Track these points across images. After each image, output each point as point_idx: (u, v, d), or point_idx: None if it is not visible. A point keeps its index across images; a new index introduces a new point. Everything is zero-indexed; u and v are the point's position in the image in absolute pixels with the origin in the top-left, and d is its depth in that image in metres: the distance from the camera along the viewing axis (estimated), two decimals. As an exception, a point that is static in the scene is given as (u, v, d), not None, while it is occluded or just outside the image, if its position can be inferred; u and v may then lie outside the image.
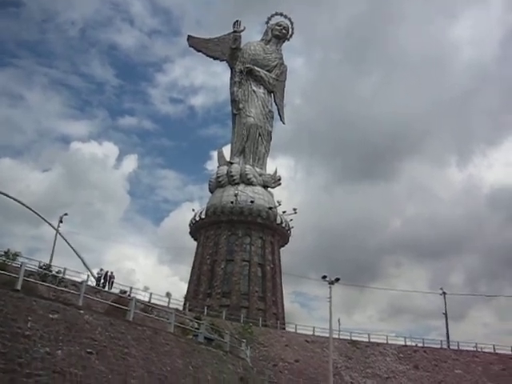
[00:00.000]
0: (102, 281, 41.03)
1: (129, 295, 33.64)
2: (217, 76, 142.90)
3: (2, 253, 24.32)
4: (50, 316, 16.29)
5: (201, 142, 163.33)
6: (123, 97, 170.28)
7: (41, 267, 20.95)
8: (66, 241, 43.00)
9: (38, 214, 45.11)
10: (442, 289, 61.66)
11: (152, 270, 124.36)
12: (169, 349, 19.72)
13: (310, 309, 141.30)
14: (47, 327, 15.89)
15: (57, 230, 45.22)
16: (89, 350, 16.47)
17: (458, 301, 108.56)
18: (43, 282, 19.39)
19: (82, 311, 17.51)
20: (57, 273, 21.53)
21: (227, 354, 23.74)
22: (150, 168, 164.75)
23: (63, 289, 19.71)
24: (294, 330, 52.72)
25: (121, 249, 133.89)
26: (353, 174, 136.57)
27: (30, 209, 44.89)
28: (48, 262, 36.27)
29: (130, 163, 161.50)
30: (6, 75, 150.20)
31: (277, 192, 65.94)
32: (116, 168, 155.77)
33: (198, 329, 24.77)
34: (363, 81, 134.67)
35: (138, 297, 39.22)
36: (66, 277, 31.38)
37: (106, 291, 33.16)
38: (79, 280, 31.07)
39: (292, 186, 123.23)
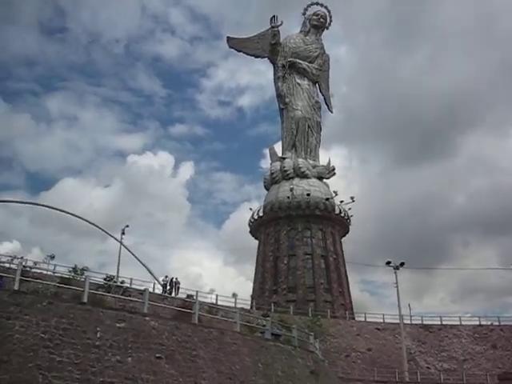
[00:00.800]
0: (168, 287, 41.73)
1: (194, 299, 34.19)
2: (261, 74, 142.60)
3: (70, 269, 25.25)
4: (117, 325, 16.79)
5: (252, 141, 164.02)
6: (172, 106, 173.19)
7: (105, 279, 21.64)
8: (129, 251, 44.27)
9: (100, 228, 46.79)
10: (512, 264, 59.67)
11: (218, 272, 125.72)
12: (236, 348, 19.91)
13: (380, 296, 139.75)
14: (116, 336, 16.39)
15: (120, 242, 46.54)
16: (158, 355, 16.88)
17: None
18: (108, 293, 19.99)
19: (147, 318, 17.93)
20: (121, 283, 22.10)
21: (296, 349, 23.72)
22: (206, 173, 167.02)
23: (129, 298, 20.25)
24: (363, 319, 52.20)
25: (185, 255, 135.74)
26: (409, 155, 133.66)
27: (93, 224, 46.63)
28: (115, 274, 37.61)
29: (187, 170, 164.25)
30: (59, 98, 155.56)
31: (333, 182, 65.47)
32: (173, 176, 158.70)
33: (264, 326, 24.88)
34: (410, 58, 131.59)
35: (205, 300, 39.89)
36: (133, 286, 32.32)
37: (172, 297, 33.74)
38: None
39: (349, 175, 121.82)
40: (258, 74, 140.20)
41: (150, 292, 24.91)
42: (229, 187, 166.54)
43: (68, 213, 46.84)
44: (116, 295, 19.96)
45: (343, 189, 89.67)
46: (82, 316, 16.20)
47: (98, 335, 16.05)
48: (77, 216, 46.78)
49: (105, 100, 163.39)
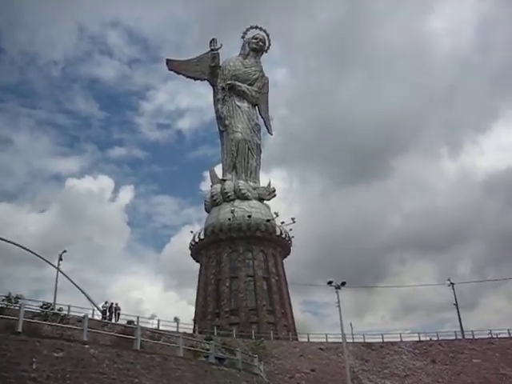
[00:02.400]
0: (108, 314, 40.58)
1: (135, 325, 33.25)
2: (201, 97, 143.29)
3: (4, 297, 24.00)
4: (55, 355, 16.06)
5: (192, 164, 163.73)
6: (110, 128, 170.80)
7: (42, 307, 20.65)
8: (66, 277, 42.90)
9: (35, 254, 44.82)
10: (449, 280, 61.47)
11: (159, 297, 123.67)
12: (180, 373, 19.42)
13: (321, 316, 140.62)
14: (53, 366, 15.67)
15: (57, 268, 44.94)
16: (98, 385, 16.21)
17: (468, 291, 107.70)
18: (45, 321, 19.10)
19: (87, 346, 17.25)
20: (59, 310, 21.18)
21: (240, 372, 23.40)
22: (146, 196, 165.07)
23: (67, 326, 19.41)
24: (306, 340, 52.26)
25: (126, 280, 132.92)
26: (347, 177, 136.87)
27: (28, 250, 44.65)
28: (52, 302, 36.12)
29: (127, 194, 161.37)
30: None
31: (274, 204, 65.80)
32: (113, 200, 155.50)
33: (208, 350, 24.43)
34: (347, 83, 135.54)
35: (147, 325, 38.92)
36: (72, 313, 31.08)
37: (112, 323, 32.70)
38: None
39: (289, 196, 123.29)
40: (198, 97, 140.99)
41: (90, 318, 24.05)
42: (169, 210, 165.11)
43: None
44: (53, 323, 19.05)
45: (284, 210, 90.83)
46: (15, 347, 15.38)
47: (34, 366, 15.28)
48: (8, 241, 44.80)
49: (40, 122, 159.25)
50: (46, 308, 20.63)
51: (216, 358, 23.35)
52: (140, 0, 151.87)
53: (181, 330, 44.07)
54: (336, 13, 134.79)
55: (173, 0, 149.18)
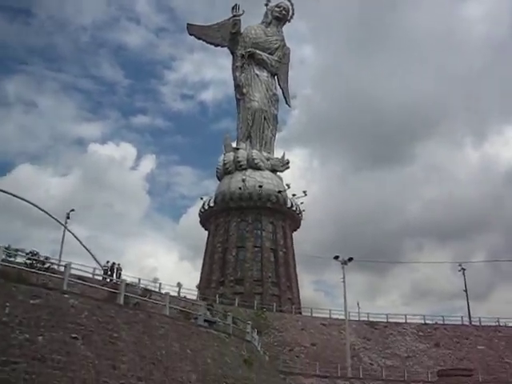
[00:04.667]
0: (109, 273, 40.34)
1: (145, 288, 32.74)
2: (225, 69, 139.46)
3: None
4: (31, 301, 15.45)
5: (214, 136, 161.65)
6: (135, 96, 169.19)
7: (27, 254, 20.11)
8: (70, 232, 42.66)
9: (46, 212, 44.50)
10: (460, 265, 60.35)
11: (174, 266, 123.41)
12: (164, 332, 18.78)
13: (333, 296, 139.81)
14: (27, 313, 15.06)
15: (64, 226, 44.76)
16: (73, 335, 15.59)
17: (481, 281, 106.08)
18: (29, 267, 18.59)
19: (66, 295, 16.62)
20: (46, 259, 20.68)
21: (230, 337, 22.76)
22: (166, 166, 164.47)
23: (50, 274, 18.84)
24: (309, 314, 51.72)
25: (142, 248, 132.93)
26: (368, 160, 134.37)
27: (41, 209, 44.15)
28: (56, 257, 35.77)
29: (148, 163, 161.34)
30: (17, 82, 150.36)
31: (291, 181, 64.26)
32: (134, 169, 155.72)
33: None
34: (374, 65, 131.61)
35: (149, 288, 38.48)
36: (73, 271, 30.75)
37: (107, 281, 32.18)
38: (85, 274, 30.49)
39: (308, 175, 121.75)
40: (222, 69, 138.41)
41: (82, 276, 23.55)
42: (188, 181, 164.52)
43: (16, 196, 44.57)
44: (32, 270, 18.47)
45: (302, 188, 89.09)
46: (-11, 290, 14.84)
47: (7, 311, 14.67)
48: (26, 200, 44.41)
49: (65, 87, 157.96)
50: (33, 256, 20.07)
51: (206, 320, 22.71)
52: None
53: (182, 295, 43.85)
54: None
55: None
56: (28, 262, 19.95)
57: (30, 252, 20.21)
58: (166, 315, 19.82)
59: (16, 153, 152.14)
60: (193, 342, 19.82)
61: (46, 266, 20.20)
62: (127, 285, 21.01)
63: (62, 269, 19.28)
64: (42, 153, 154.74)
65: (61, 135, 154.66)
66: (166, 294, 22.23)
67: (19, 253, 20.34)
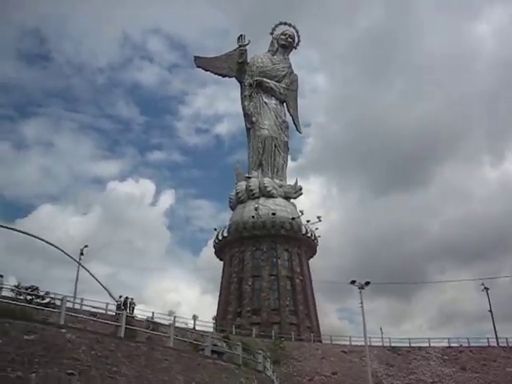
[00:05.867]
0: (122, 308, 39.76)
1: (148, 320, 32.15)
2: (238, 101, 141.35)
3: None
4: (25, 337, 14.93)
5: (230, 168, 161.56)
6: (150, 132, 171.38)
7: (27, 289, 19.66)
8: (83, 267, 42.24)
9: (60, 249, 44.02)
10: (483, 284, 58.48)
11: (197, 300, 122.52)
12: (167, 365, 18.11)
13: (356, 324, 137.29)
14: (20, 349, 14.53)
15: (78, 262, 44.38)
16: (69, 371, 15.02)
17: (509, 300, 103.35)
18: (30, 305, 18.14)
19: (63, 330, 16.08)
20: (46, 294, 20.23)
21: (240, 367, 21.96)
22: (184, 200, 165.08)
23: (48, 309, 18.30)
24: (329, 342, 50.39)
25: (163, 283, 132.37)
26: (386, 184, 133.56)
27: (58, 248, 43.94)
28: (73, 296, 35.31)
29: (167, 198, 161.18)
30: (35, 124, 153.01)
31: (312, 210, 64.40)
32: (153, 205, 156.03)
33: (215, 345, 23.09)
34: (387, 90, 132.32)
35: (164, 322, 37.84)
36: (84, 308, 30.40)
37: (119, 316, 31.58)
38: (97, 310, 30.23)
39: (327, 203, 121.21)
40: (235, 102, 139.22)
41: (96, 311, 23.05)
42: (206, 214, 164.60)
43: (33, 236, 44.55)
44: (29, 305, 17.99)
45: (322, 216, 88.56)
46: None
47: (-2, 348, 14.20)
48: (43, 240, 44.30)
49: (82, 127, 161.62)
50: (32, 291, 19.65)
51: (214, 351, 21.97)
52: (180, 7, 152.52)
53: (198, 328, 43.01)
54: (376, 20, 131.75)
55: (212, 6, 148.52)
56: (28, 297, 19.51)
57: (30, 287, 19.80)
58: (170, 347, 19.15)
59: (36, 194, 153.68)
60: (199, 374, 19.09)
61: (46, 301, 19.72)
62: (132, 318, 20.46)
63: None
64: (62, 192, 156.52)
65: (79, 174, 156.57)
66: (171, 325, 21.56)
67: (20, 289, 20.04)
